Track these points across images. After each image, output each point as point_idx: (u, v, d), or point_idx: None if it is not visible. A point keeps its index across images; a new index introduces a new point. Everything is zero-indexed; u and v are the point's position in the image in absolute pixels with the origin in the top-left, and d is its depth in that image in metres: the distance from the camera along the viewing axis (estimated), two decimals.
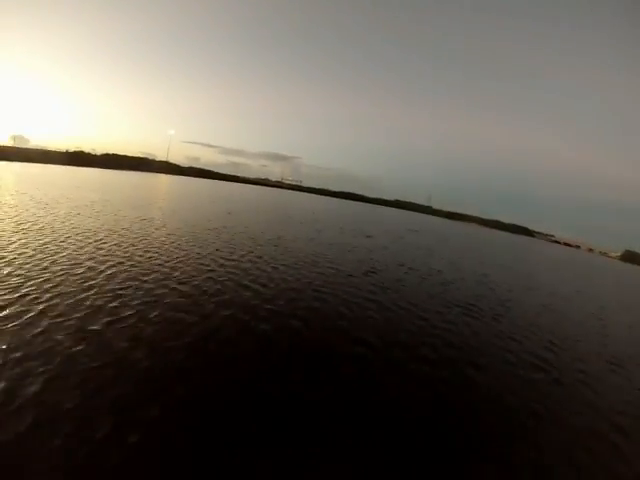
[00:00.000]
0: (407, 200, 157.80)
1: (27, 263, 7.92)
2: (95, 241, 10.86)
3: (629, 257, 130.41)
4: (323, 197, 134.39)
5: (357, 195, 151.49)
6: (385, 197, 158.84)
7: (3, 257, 8.17)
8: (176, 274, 8.78)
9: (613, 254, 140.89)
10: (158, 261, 9.78)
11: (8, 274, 7.13)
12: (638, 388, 7.20)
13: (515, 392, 5.93)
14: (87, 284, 7.27)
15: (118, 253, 9.99)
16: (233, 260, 11.12)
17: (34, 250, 8.95)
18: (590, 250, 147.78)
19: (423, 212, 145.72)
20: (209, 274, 9.31)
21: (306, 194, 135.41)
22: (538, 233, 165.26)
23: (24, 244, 9.38)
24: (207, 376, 4.83)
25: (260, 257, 12.26)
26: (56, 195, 19.41)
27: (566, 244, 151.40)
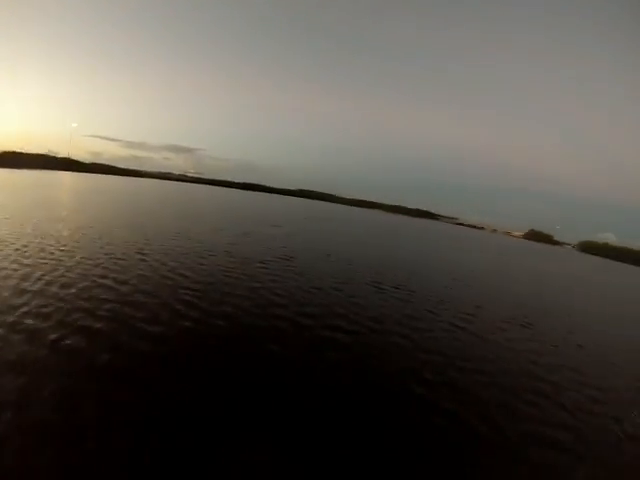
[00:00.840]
0: (312, 189, 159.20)
1: None
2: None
3: (532, 235, 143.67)
4: (225, 189, 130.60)
5: (260, 186, 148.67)
6: (290, 187, 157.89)
7: None
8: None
9: (517, 233, 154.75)
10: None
11: None
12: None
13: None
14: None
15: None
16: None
17: None
18: (494, 231, 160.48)
19: (329, 201, 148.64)
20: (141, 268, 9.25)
21: (208, 186, 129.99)
22: (442, 217, 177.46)
23: None
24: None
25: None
26: None
27: (470, 226, 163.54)
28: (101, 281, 7.86)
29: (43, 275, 7.74)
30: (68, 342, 5.13)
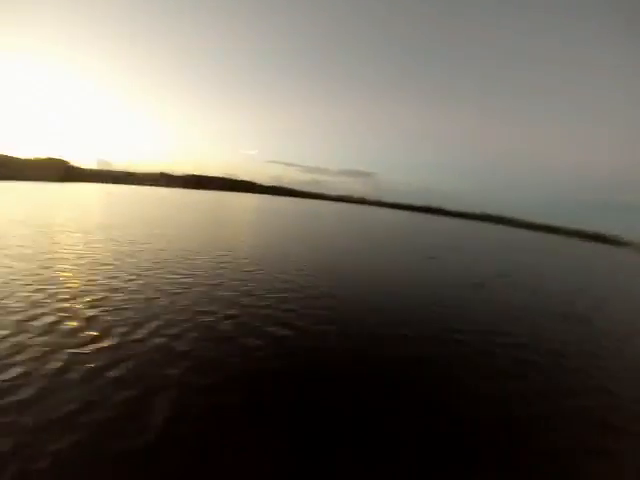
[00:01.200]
0: (495, 213, 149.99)
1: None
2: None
3: None
4: (405, 212, 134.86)
5: (442, 209, 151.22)
6: (472, 210, 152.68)
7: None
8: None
9: None
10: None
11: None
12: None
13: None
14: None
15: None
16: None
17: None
18: None
19: (513, 225, 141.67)
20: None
21: (388, 209, 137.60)
22: (628, 243, 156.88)
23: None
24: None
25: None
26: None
27: None
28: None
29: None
30: None
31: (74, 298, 7.47)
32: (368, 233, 31.75)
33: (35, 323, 6.15)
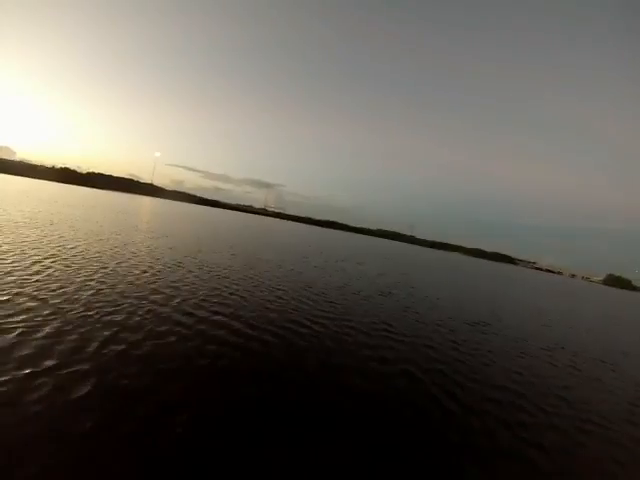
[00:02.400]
0: (390, 229, 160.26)
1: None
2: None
3: (612, 281, 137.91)
4: (305, 225, 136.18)
5: (340, 224, 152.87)
6: (368, 226, 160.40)
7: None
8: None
9: (596, 278, 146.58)
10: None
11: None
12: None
13: None
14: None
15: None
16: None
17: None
18: (573, 276, 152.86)
19: (406, 241, 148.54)
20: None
21: (289, 222, 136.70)
22: (520, 260, 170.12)
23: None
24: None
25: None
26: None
27: (548, 271, 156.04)
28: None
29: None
30: None
31: None
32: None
33: None
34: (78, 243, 12.84)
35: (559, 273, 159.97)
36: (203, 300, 8.50)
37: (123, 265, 10.78)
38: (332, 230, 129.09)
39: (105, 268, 9.93)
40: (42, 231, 13.77)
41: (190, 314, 7.35)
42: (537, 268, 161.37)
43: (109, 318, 6.36)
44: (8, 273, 7.92)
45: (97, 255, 11.47)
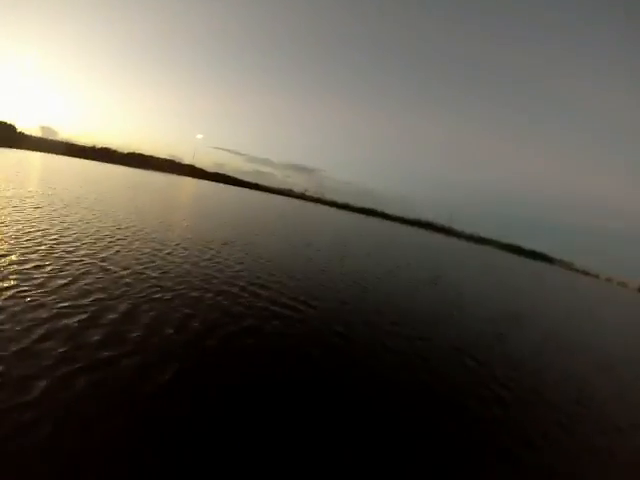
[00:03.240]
0: (429, 220, 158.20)
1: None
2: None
3: None
4: (344, 211, 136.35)
5: (379, 212, 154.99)
6: (407, 216, 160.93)
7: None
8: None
9: (633, 284, 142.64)
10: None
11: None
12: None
13: None
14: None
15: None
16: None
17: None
18: (608, 280, 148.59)
19: (444, 233, 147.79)
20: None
21: (328, 208, 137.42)
22: (558, 260, 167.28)
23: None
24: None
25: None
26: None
27: (585, 273, 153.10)
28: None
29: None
30: None
31: None
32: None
33: None
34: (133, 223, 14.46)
35: (596, 276, 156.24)
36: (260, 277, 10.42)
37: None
38: (371, 218, 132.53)
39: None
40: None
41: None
42: (574, 269, 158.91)
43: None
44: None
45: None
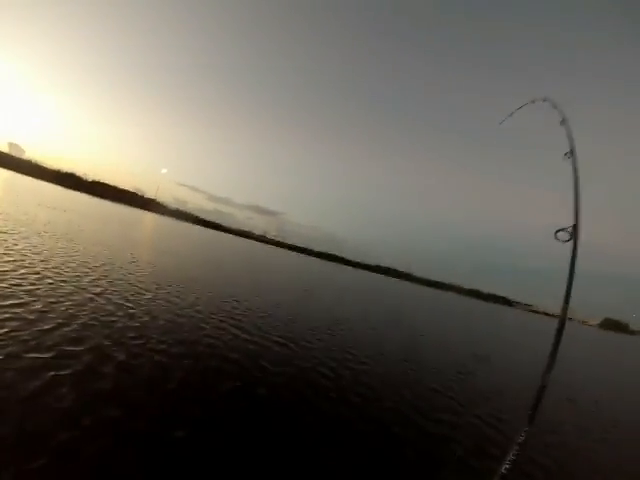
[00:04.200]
0: (388, 266, 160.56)
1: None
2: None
3: (608, 324, 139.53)
4: (304, 256, 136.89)
5: (339, 257, 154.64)
6: (368, 262, 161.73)
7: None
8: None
9: (593, 322, 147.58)
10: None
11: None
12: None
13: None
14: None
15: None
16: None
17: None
18: (569, 319, 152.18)
19: (404, 279, 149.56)
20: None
21: (287, 251, 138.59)
22: (517, 303, 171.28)
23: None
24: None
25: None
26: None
27: (545, 314, 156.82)
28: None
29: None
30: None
31: None
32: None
33: None
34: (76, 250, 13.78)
35: (555, 316, 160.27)
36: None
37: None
38: (331, 263, 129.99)
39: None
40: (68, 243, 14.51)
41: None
42: (533, 311, 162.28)
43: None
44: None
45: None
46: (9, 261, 9.49)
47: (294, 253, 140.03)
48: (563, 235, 2.51)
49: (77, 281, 9.60)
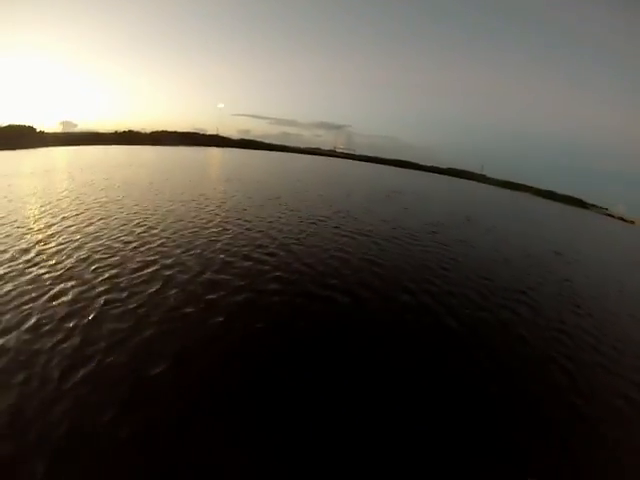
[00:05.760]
0: (461, 168, 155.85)
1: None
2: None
3: None
4: (376, 165, 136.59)
5: (411, 163, 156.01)
6: (439, 165, 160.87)
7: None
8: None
9: None
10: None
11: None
12: None
13: None
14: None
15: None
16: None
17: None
18: None
19: (477, 180, 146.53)
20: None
21: (360, 162, 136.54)
22: (592, 206, 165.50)
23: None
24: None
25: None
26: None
27: (620, 218, 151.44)
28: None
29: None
30: None
31: None
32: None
33: None
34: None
35: (631, 222, 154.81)
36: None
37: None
38: (404, 169, 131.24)
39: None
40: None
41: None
42: (609, 214, 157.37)
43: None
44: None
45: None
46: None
47: (365, 163, 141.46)
48: None
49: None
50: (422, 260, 11.49)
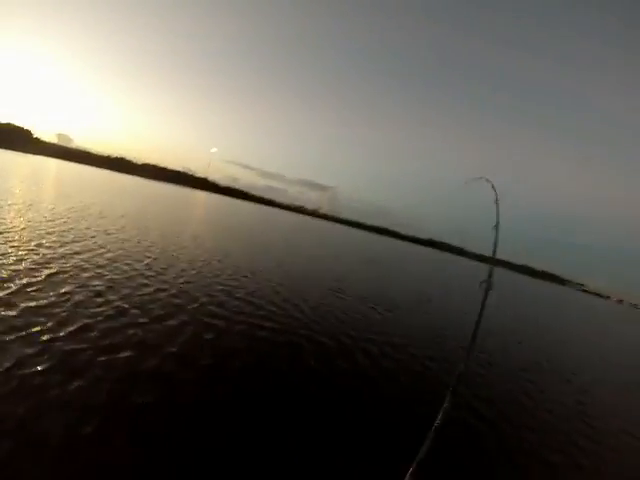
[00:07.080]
0: (440, 240, 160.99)
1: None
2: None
3: None
4: (356, 230, 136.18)
5: (391, 231, 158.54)
6: (420, 236, 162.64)
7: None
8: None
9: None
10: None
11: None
12: None
13: None
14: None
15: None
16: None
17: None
18: (620, 301, 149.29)
19: (457, 253, 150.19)
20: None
21: (339, 225, 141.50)
22: (569, 282, 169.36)
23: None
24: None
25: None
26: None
27: (596, 294, 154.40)
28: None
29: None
30: None
31: None
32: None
33: None
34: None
35: (607, 297, 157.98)
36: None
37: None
38: (384, 237, 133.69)
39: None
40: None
41: None
42: (585, 291, 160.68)
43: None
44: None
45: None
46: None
47: (347, 227, 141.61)
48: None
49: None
50: None
